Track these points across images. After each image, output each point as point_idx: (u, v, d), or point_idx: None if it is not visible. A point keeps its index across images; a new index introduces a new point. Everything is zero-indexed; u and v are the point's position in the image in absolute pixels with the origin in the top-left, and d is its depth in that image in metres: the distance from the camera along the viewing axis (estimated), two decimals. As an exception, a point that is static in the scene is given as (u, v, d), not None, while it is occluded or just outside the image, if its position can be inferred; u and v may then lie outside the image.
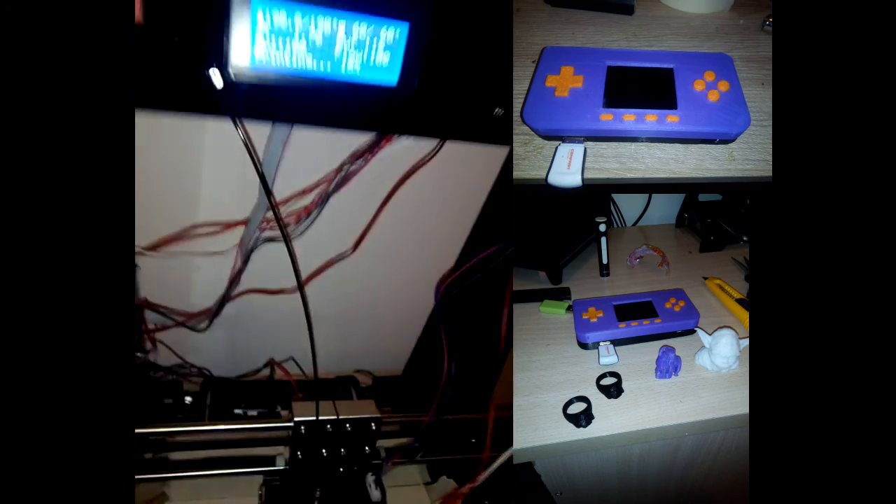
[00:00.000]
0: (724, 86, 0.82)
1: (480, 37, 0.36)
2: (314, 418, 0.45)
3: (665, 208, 1.44)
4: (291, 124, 0.41)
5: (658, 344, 0.92)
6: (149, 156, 0.40)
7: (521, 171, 0.82)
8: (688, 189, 1.29)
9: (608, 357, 0.89)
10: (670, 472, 0.96)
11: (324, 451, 0.46)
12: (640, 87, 0.84)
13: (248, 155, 0.40)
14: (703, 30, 1.00)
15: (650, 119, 0.79)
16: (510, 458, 0.62)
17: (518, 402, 0.83)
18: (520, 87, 0.88)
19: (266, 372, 0.59)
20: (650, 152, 0.82)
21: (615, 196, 1.40)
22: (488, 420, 0.53)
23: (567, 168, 0.80)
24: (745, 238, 1.25)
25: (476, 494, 0.60)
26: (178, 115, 0.37)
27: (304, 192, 0.49)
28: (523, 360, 0.92)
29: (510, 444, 0.61)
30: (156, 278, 0.55)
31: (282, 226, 0.46)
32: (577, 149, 0.81)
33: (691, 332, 0.93)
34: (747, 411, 0.78)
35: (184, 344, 0.59)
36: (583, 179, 0.79)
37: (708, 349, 0.86)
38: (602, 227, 1.15)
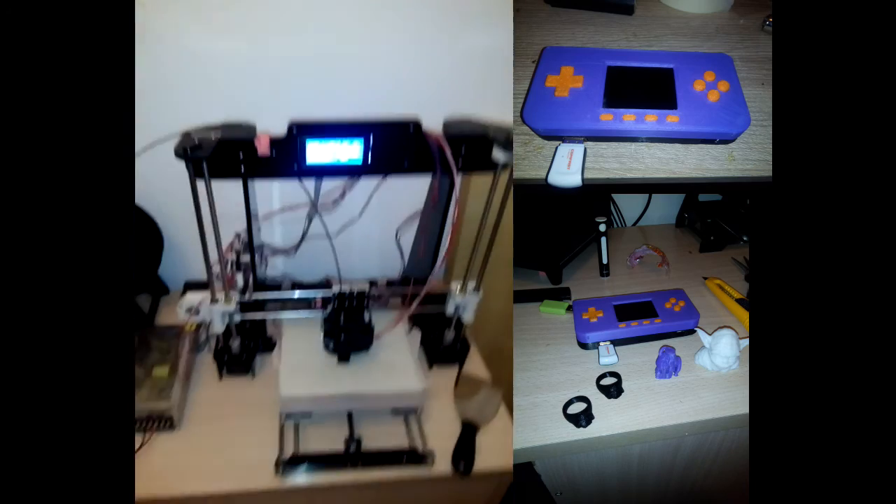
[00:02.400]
0: (724, 86, 0.82)
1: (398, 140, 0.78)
2: (340, 290, 0.87)
3: (665, 208, 1.44)
4: (321, 177, 0.89)
5: (658, 344, 0.92)
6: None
7: (521, 171, 0.82)
8: (688, 189, 1.29)
9: (608, 357, 0.89)
10: (670, 472, 0.96)
11: (345, 302, 0.87)
12: (640, 87, 0.84)
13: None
14: (703, 30, 1.00)
15: (650, 119, 0.79)
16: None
17: (518, 402, 0.83)
18: (520, 87, 0.88)
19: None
20: (650, 152, 0.82)
21: (615, 196, 1.40)
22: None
23: (567, 168, 0.80)
24: (745, 238, 1.25)
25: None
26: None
27: (335, 190, 0.94)
28: (523, 360, 0.92)
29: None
30: (268, 232, 1.04)
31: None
32: (577, 149, 0.81)
33: (691, 332, 0.93)
34: (747, 411, 0.78)
35: (286, 262, 1.07)
36: (583, 179, 0.79)
37: (708, 349, 0.86)
38: (602, 227, 1.15)
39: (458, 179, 0.79)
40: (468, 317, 0.93)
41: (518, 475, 0.84)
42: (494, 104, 0.90)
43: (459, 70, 0.99)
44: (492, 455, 0.83)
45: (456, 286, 0.92)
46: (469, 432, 0.84)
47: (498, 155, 0.78)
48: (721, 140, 0.81)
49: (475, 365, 0.99)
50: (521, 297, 1.10)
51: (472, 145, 0.78)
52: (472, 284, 0.91)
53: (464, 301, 0.91)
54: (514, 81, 0.91)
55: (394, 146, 0.76)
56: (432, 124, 0.79)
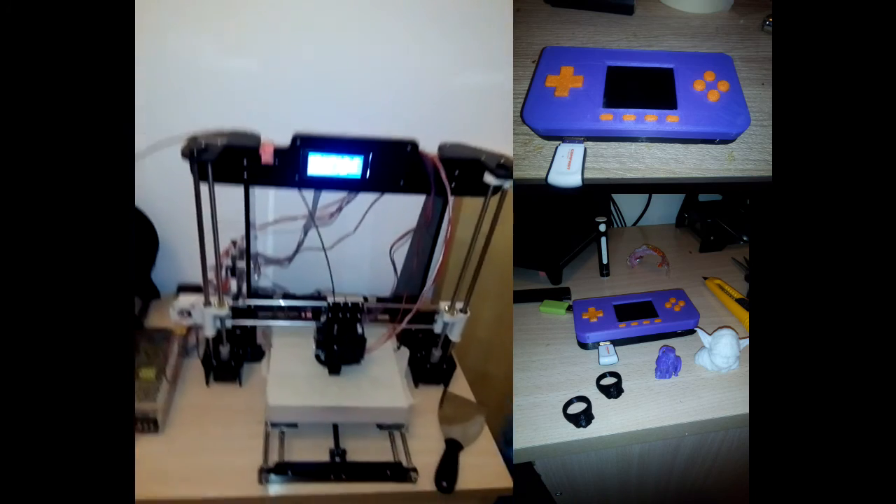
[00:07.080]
0: (724, 86, 0.82)
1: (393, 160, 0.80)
2: (335, 301, 0.88)
3: (665, 208, 1.44)
4: (320, 190, 0.91)
5: (658, 344, 0.92)
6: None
7: (521, 171, 0.82)
8: (688, 189, 1.29)
9: (608, 357, 0.89)
10: (670, 472, 0.96)
11: (339, 314, 0.88)
12: (640, 87, 0.84)
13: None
14: (703, 30, 1.00)
15: (650, 119, 0.79)
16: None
17: (518, 402, 0.83)
18: (520, 87, 0.88)
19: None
20: (650, 152, 0.82)
21: (615, 196, 1.40)
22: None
23: (567, 168, 0.80)
24: (745, 238, 1.25)
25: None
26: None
27: (332, 205, 0.96)
28: (523, 360, 0.92)
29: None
30: (263, 242, 1.07)
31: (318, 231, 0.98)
32: (577, 149, 0.81)
33: (691, 332, 0.93)
34: (747, 411, 0.78)
35: (277, 274, 1.10)
36: (583, 179, 0.79)
37: (708, 349, 0.86)
38: (602, 227, 1.15)
39: (451, 200, 0.82)
40: (455, 336, 0.95)
41: (518, 475, 0.84)
42: (490, 132, 0.96)
43: (459, 99, 1.02)
44: (475, 474, 0.84)
45: (444, 305, 0.93)
46: (453, 451, 0.85)
47: (489, 179, 0.80)
48: (721, 140, 0.81)
49: (460, 386, 1.01)
50: (521, 297, 1.10)
51: (465, 168, 0.81)
52: (459, 305, 0.93)
53: (452, 320, 0.92)
54: (514, 81, 0.91)
55: (391, 164, 0.79)
56: (429, 147, 0.82)
